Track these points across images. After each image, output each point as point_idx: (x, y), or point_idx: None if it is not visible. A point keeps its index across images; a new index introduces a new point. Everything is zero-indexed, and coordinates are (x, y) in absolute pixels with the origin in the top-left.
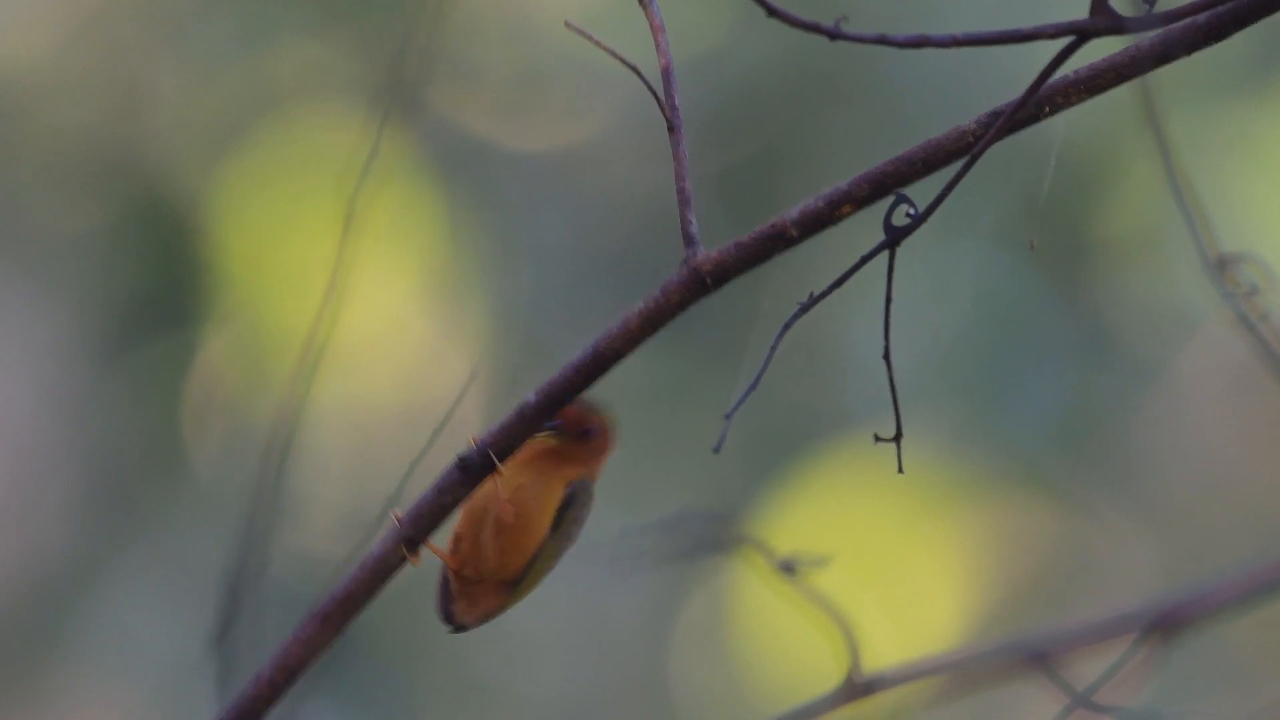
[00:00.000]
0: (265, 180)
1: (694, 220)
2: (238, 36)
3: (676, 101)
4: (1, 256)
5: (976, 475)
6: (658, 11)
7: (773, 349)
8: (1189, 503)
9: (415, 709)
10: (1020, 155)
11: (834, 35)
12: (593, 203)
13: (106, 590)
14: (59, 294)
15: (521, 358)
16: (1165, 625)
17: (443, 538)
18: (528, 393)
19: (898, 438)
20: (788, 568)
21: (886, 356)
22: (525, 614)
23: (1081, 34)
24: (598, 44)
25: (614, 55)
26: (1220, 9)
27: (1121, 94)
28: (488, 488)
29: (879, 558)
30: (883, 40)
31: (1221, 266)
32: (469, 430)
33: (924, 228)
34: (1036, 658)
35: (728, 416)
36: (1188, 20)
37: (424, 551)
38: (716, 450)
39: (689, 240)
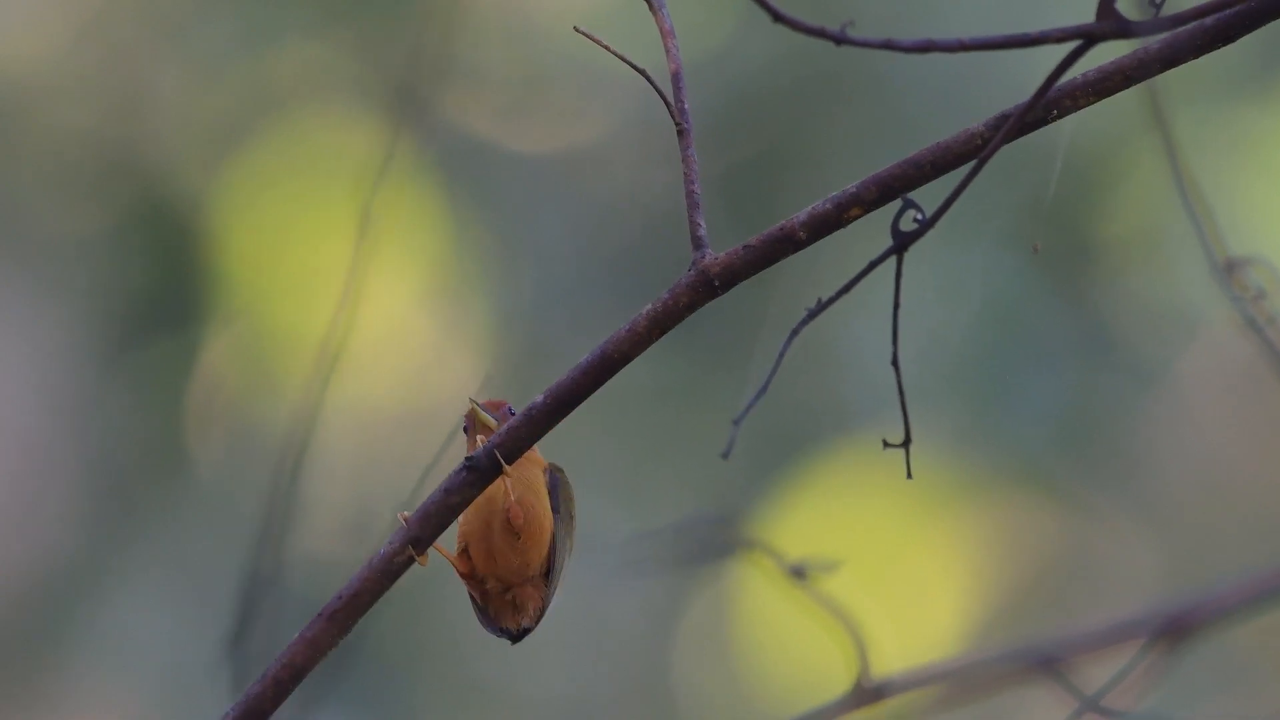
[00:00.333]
0: (268, 182)
1: (703, 223)
2: (240, 38)
3: (686, 106)
4: (4, 258)
5: (981, 477)
6: (667, 17)
7: (781, 355)
8: (1192, 505)
9: (419, 711)
10: (1026, 159)
11: (840, 40)
12: (596, 204)
13: (110, 592)
14: (62, 296)
15: (526, 359)
16: (1173, 630)
17: (448, 540)
18: (536, 395)
19: (906, 443)
20: (798, 572)
21: (895, 363)
22: None
23: (1088, 38)
24: (607, 49)
25: (623, 60)
26: (1227, 12)
27: (1127, 97)
28: (475, 502)
29: (883, 560)
30: (889, 45)
31: (1229, 270)
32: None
33: (930, 231)
34: (1045, 662)
35: (736, 422)
36: (1194, 23)
37: (431, 553)
38: (725, 456)
39: (698, 243)
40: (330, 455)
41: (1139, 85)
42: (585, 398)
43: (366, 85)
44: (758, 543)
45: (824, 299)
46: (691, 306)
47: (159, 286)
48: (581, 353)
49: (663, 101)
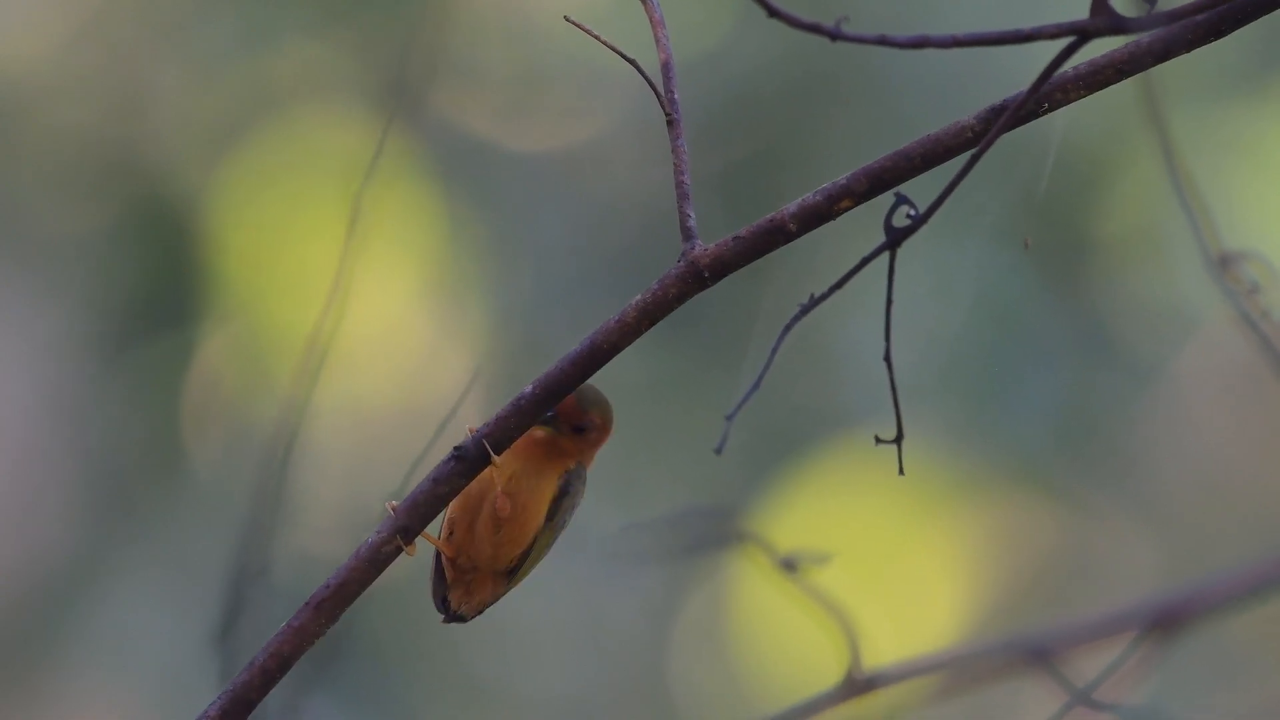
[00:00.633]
0: (266, 181)
1: (692, 215)
2: (238, 37)
3: (676, 96)
4: (2, 256)
5: (975, 474)
6: (657, 6)
7: (774, 351)
8: (1188, 501)
9: (413, 707)
10: (1019, 154)
11: (835, 36)
12: (593, 203)
13: (106, 590)
14: (59, 294)
15: (522, 357)
16: (1165, 622)
17: (437, 528)
18: (525, 385)
19: (899, 439)
20: (789, 565)
21: (888, 359)
22: (523, 611)
23: (1082, 34)
24: (596, 38)
25: (613, 49)
26: (1220, 8)
27: (1121, 92)
28: (484, 475)
29: (879, 556)
30: (883, 41)
31: (1223, 264)
32: (464, 425)
33: (923, 227)
34: (1036, 655)
35: (729, 418)
36: (1187, 18)
37: (420, 543)
38: (718, 452)
39: (687, 234)
40: (326, 452)
41: (1134, 81)
42: (574, 388)
43: (365, 85)
44: (750, 535)
45: (817, 295)
46: (681, 298)
47: (156, 285)
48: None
49: (653, 92)
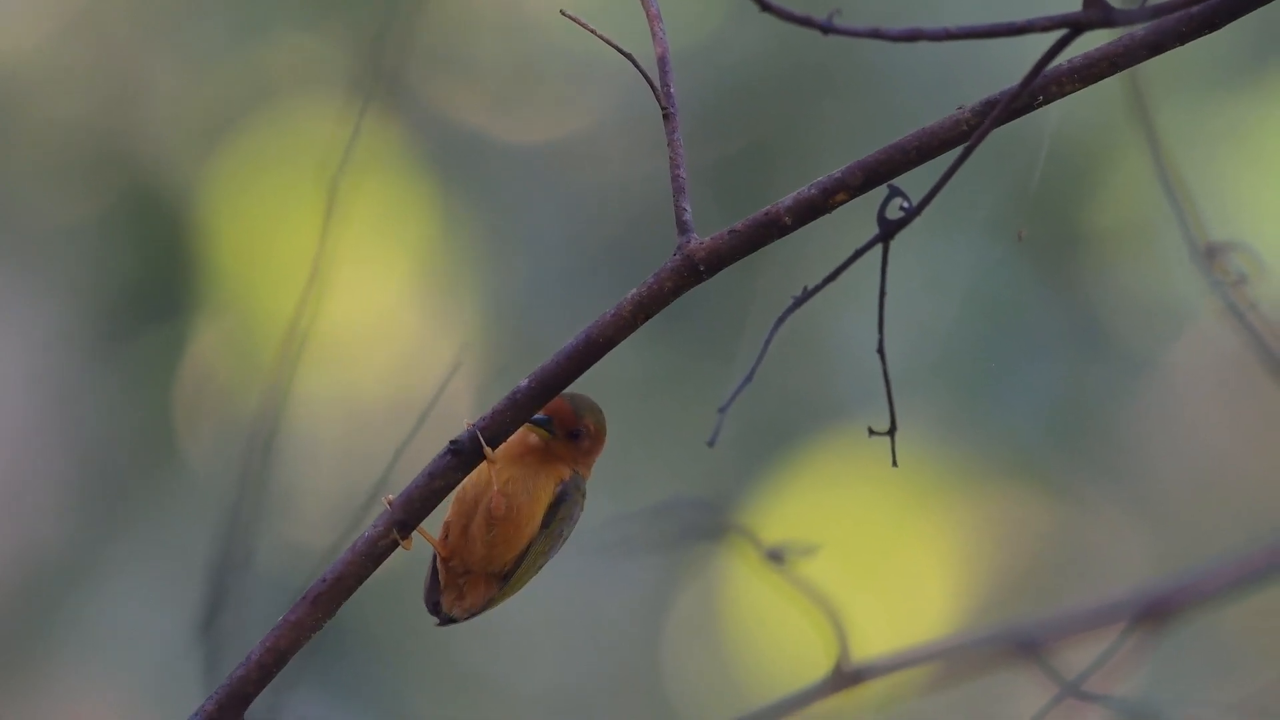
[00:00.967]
0: (257, 172)
1: (688, 208)
2: (230, 29)
3: (672, 90)
4: None
5: (968, 466)
6: (654, 0)
7: (767, 343)
8: (1179, 492)
9: (404, 700)
10: (1011, 147)
11: (827, 29)
12: (586, 195)
13: (98, 580)
14: (51, 285)
15: (513, 348)
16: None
17: (434, 524)
18: (521, 379)
19: (892, 431)
20: (775, 556)
21: (880, 350)
22: (515, 604)
23: (1075, 27)
24: (592, 31)
25: (608, 43)
26: (1212, 1)
27: (1112, 86)
28: (478, 478)
29: (870, 548)
30: (876, 34)
31: (1210, 255)
32: (457, 419)
33: (916, 220)
34: (1026, 646)
35: (722, 410)
36: (1180, 11)
37: (415, 536)
38: (711, 444)
39: (683, 228)
40: (315, 443)
41: (1123, 75)
42: (570, 382)
43: (357, 77)
44: (737, 527)
45: (810, 287)
46: (676, 291)
47: (148, 277)
48: (570, 339)
49: (649, 86)
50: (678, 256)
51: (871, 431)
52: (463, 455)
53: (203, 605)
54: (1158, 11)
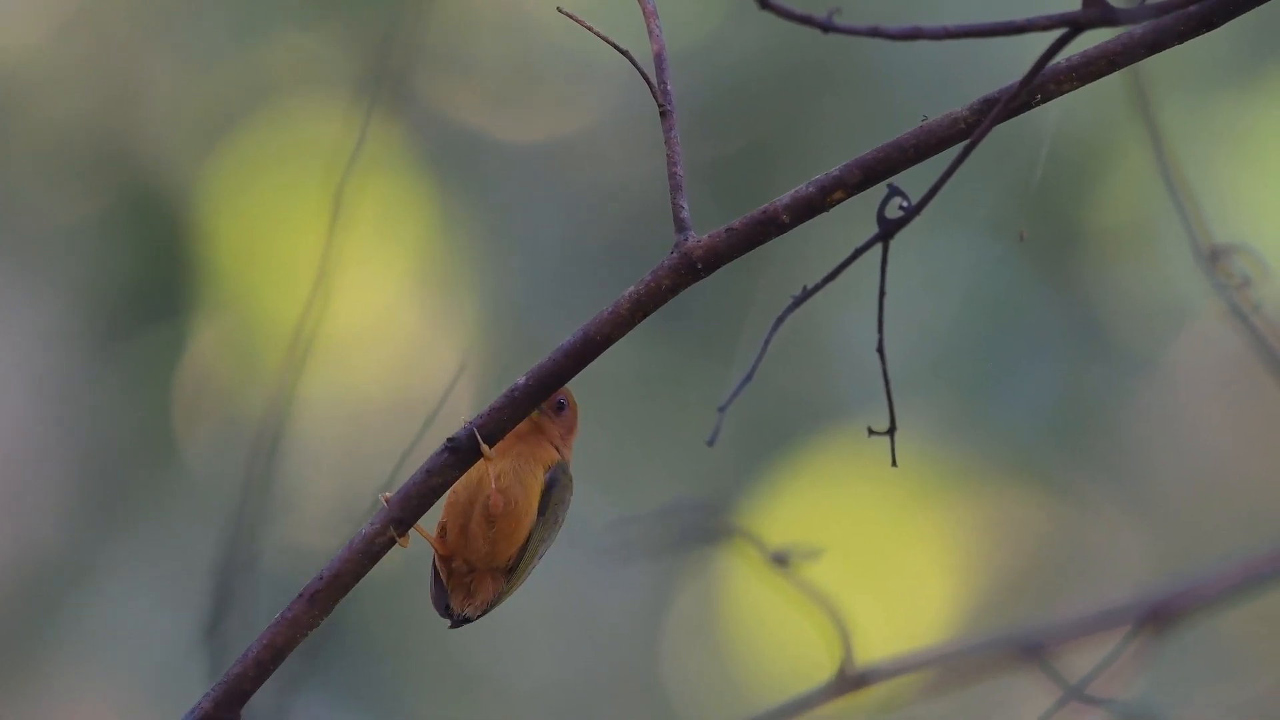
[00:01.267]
0: (257, 172)
1: (686, 206)
2: (230, 29)
3: (669, 88)
4: None
5: (968, 466)
6: None
7: (766, 342)
8: (1181, 494)
9: (405, 699)
10: (1012, 146)
11: (827, 28)
12: (584, 194)
13: (97, 581)
14: (51, 285)
15: (512, 348)
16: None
17: (430, 523)
18: (517, 377)
19: (891, 431)
20: (780, 559)
21: (880, 350)
22: (516, 605)
23: (1074, 26)
24: (589, 29)
25: (605, 40)
26: (1209, 0)
27: (1113, 84)
28: (468, 478)
29: (871, 549)
30: (875, 33)
31: (1214, 257)
32: (459, 421)
33: (915, 219)
34: (1029, 650)
35: (721, 409)
36: (1179, 10)
37: (413, 534)
38: (710, 443)
39: (680, 225)
40: (317, 444)
41: (1124, 73)
42: (567, 379)
43: (357, 76)
44: (741, 530)
45: (809, 286)
46: (674, 289)
47: (147, 276)
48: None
49: (646, 84)
50: (675, 254)
51: (871, 431)
52: (460, 453)
53: (207, 607)
54: (1157, 10)
